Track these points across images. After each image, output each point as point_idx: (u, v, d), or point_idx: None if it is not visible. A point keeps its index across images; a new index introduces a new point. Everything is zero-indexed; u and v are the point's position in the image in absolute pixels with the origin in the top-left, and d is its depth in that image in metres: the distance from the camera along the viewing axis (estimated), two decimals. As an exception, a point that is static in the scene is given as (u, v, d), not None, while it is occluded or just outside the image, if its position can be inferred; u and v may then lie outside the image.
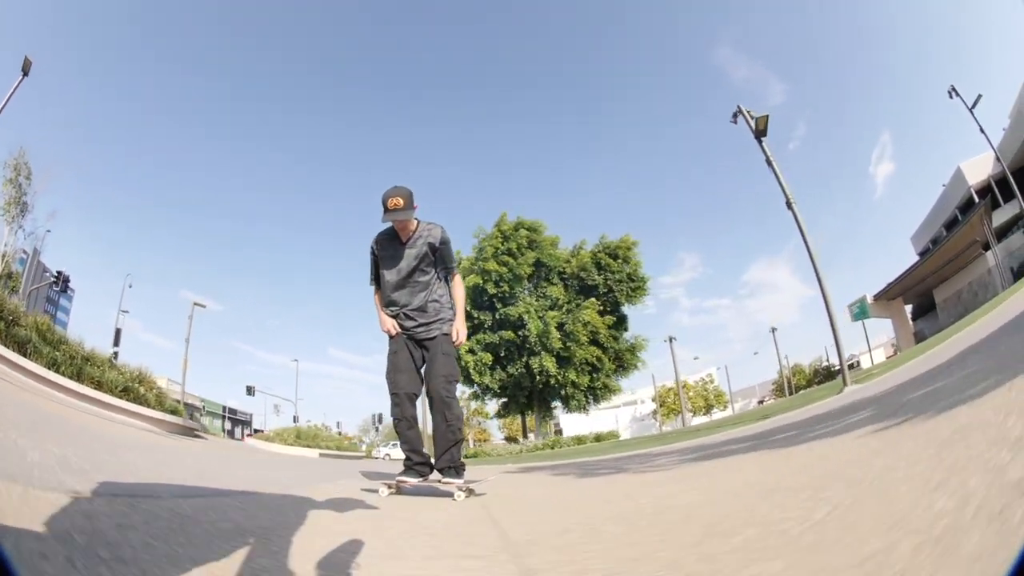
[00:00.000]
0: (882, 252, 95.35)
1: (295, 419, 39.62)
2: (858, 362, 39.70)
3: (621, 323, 23.93)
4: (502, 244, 22.14)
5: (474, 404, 29.11)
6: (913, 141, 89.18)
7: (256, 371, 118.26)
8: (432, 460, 3.04)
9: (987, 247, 24.75)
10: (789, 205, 9.46)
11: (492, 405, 26.91)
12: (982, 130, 15.43)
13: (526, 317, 20.96)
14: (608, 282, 23.06)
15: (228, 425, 47.86)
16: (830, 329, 9.41)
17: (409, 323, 3.07)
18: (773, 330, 34.23)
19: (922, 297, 34.58)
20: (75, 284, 29.99)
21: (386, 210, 2.84)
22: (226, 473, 3.53)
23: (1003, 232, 24.96)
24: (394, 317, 3.10)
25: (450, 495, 2.82)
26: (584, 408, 24.19)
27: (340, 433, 41.88)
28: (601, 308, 22.48)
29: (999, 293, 18.13)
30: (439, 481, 2.97)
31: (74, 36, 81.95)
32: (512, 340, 21.40)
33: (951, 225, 29.10)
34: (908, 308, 36.89)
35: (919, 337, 32.97)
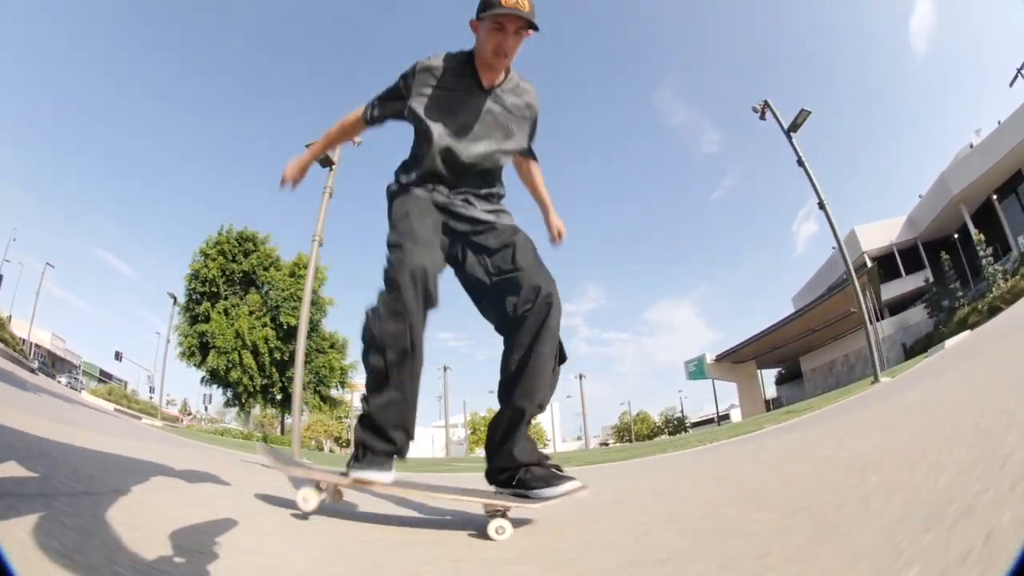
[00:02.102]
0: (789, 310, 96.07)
1: (151, 390, 38.35)
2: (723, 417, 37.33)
3: (291, 336, 23.30)
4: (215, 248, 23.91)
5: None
6: (842, 205, 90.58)
7: (151, 340, 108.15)
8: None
9: (872, 319, 21.76)
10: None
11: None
12: (801, 163, 10.11)
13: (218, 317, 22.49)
14: (277, 297, 24.15)
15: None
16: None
17: (440, 195, 1.58)
18: (580, 376, 31.29)
19: (789, 363, 31.60)
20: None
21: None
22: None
23: (901, 305, 22.83)
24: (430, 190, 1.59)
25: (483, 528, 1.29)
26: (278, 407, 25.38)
27: (187, 409, 43.77)
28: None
29: (885, 368, 14.90)
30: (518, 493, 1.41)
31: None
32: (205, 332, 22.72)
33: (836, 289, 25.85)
34: (774, 372, 34.03)
35: (773, 405, 30.02)
